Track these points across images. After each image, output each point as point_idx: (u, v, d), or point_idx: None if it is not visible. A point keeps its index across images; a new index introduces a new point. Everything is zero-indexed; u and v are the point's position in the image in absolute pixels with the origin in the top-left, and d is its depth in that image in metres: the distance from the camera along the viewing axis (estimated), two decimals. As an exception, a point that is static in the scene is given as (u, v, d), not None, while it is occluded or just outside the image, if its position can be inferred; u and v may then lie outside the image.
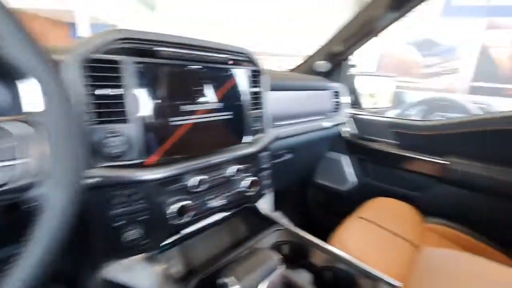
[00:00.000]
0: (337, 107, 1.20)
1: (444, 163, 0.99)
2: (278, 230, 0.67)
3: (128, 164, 0.47)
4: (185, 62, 0.54)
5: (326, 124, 1.12)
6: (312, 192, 1.47)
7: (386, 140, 1.20)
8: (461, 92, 3.51)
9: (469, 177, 0.95)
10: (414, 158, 1.07)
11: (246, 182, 0.66)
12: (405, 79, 3.81)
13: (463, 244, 0.90)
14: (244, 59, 0.69)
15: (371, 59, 3.94)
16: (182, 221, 0.52)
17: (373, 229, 0.85)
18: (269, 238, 0.64)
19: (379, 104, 1.53)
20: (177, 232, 0.60)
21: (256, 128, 0.74)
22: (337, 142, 1.29)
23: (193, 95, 0.56)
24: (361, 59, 4.34)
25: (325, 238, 0.76)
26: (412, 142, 1.11)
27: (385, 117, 1.25)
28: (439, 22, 3.63)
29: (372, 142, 1.21)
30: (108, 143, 0.44)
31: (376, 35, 1.07)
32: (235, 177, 0.63)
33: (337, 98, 1.20)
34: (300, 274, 0.56)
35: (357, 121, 1.29)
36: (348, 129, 1.27)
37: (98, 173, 0.43)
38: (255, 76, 0.71)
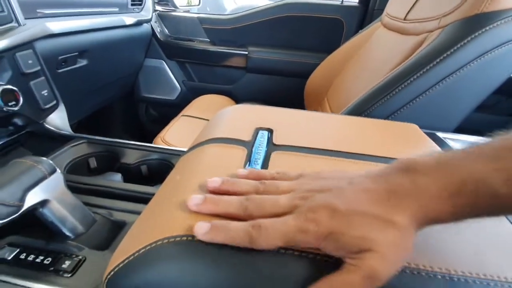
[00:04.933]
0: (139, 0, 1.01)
1: (245, 53, 1.11)
2: (77, 144, 0.55)
3: None
4: None
5: (128, 19, 0.93)
6: (142, 108, 1.35)
7: (200, 39, 1.18)
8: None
9: (264, 62, 1.12)
10: (224, 52, 1.13)
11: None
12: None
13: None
14: None
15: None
16: None
17: (193, 122, 0.89)
18: (63, 156, 0.52)
19: (191, 2, 1.44)
20: None
21: (-8, 13, 0.49)
22: (152, 46, 1.16)
23: None
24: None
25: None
26: (221, 37, 1.15)
27: (194, 13, 1.19)
28: None
29: (188, 42, 1.16)
30: None
31: None
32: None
33: (135, -13, 1.00)
34: (110, 177, 0.51)
35: (167, 19, 1.17)
36: (159, 29, 1.14)
37: None
38: None
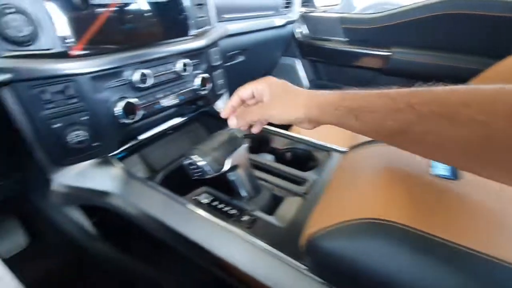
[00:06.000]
0: (288, 2, 1.11)
1: (387, 54, 1.04)
2: (237, 126, 0.67)
3: (46, 54, 0.38)
4: None
5: (278, 21, 1.04)
6: None
7: (337, 38, 1.19)
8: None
9: (408, 65, 1.02)
10: (362, 53, 1.10)
11: (197, 80, 0.61)
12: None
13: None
14: None
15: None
16: (131, 120, 0.48)
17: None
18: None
19: (329, 1, 1.46)
20: (133, 137, 0.57)
21: (200, 19, 0.65)
22: (290, 44, 1.25)
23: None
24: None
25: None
26: (361, 37, 1.12)
27: (335, 13, 1.20)
28: None
29: (324, 42, 1.19)
30: (8, 22, 0.34)
31: None
32: (185, 74, 0.58)
33: (287, -9, 1.10)
34: (264, 156, 0.59)
35: (308, 20, 1.23)
36: (300, 30, 1.22)
37: (7, 65, 0.35)
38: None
